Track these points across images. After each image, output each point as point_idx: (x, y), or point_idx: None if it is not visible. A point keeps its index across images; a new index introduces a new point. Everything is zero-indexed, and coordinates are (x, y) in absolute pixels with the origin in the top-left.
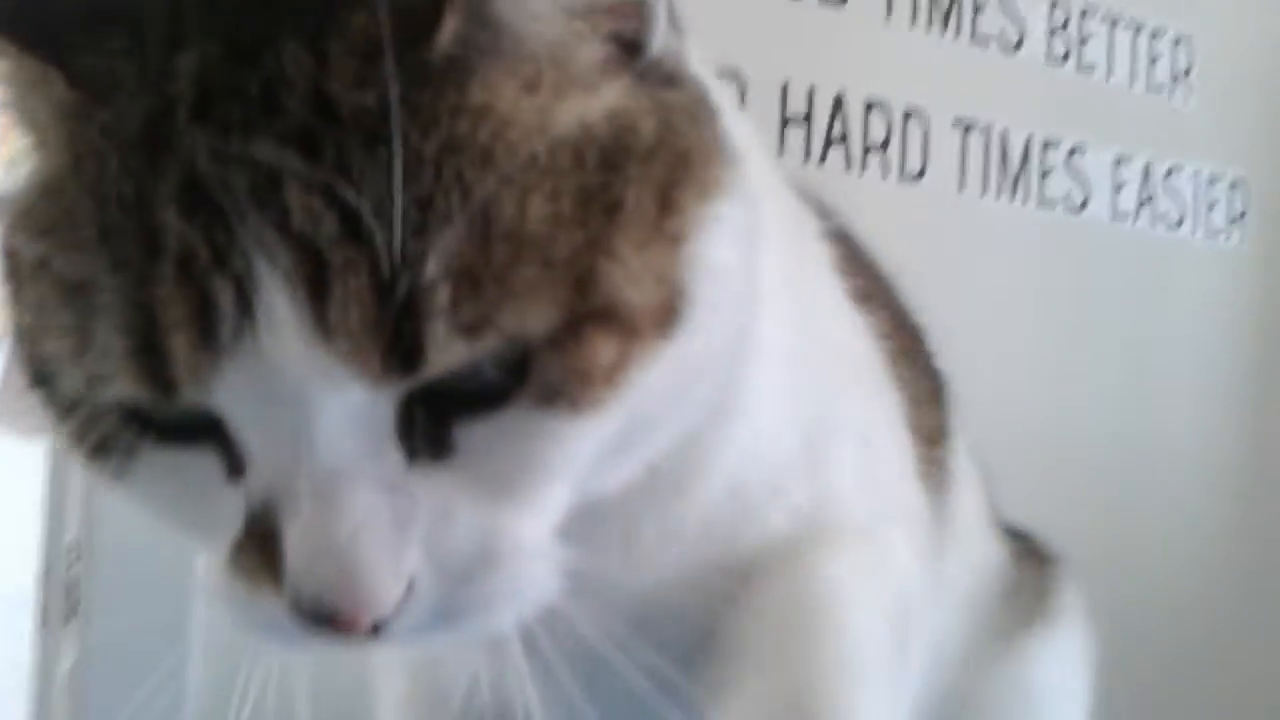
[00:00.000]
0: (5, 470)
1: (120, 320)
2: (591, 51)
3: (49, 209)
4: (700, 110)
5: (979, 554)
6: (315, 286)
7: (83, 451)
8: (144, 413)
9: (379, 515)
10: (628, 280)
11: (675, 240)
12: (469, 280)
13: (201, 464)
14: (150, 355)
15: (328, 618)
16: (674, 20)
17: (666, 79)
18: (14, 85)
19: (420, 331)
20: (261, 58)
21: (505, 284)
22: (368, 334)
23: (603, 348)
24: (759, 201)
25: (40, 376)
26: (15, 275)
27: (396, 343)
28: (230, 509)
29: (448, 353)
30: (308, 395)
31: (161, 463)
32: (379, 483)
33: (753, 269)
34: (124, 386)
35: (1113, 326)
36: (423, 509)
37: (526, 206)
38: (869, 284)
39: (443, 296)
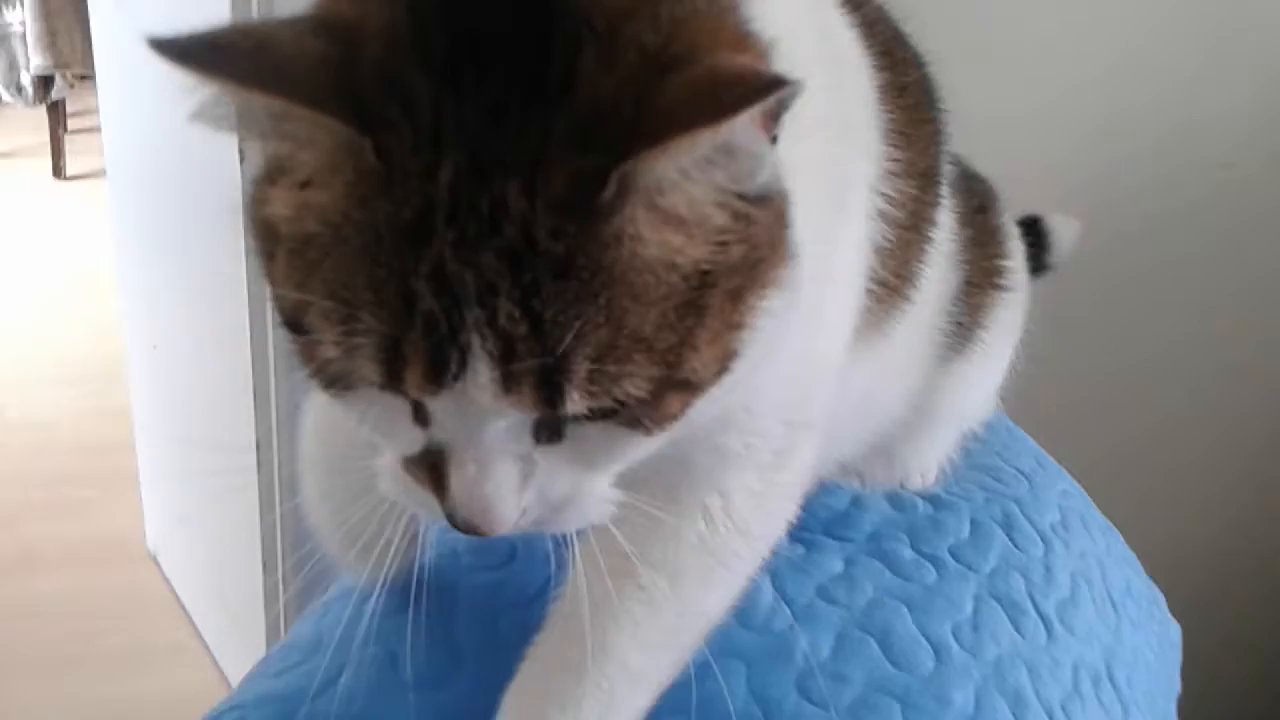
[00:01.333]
0: None
1: (377, 341)
2: (711, 196)
3: (322, 234)
4: (779, 224)
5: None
6: (507, 362)
7: (319, 381)
8: None
9: (511, 475)
10: (701, 363)
11: (738, 327)
12: (599, 366)
13: (396, 406)
14: (393, 369)
15: (471, 531)
16: (776, 134)
17: (760, 198)
18: (305, 125)
19: (563, 394)
20: (492, 183)
21: (621, 369)
22: (531, 393)
23: (674, 402)
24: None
25: (295, 327)
26: (270, 237)
27: (547, 398)
28: (410, 438)
29: (575, 406)
30: (488, 416)
31: (371, 398)
32: (515, 455)
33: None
34: (369, 378)
35: None
36: (539, 470)
37: (645, 317)
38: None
39: (581, 377)
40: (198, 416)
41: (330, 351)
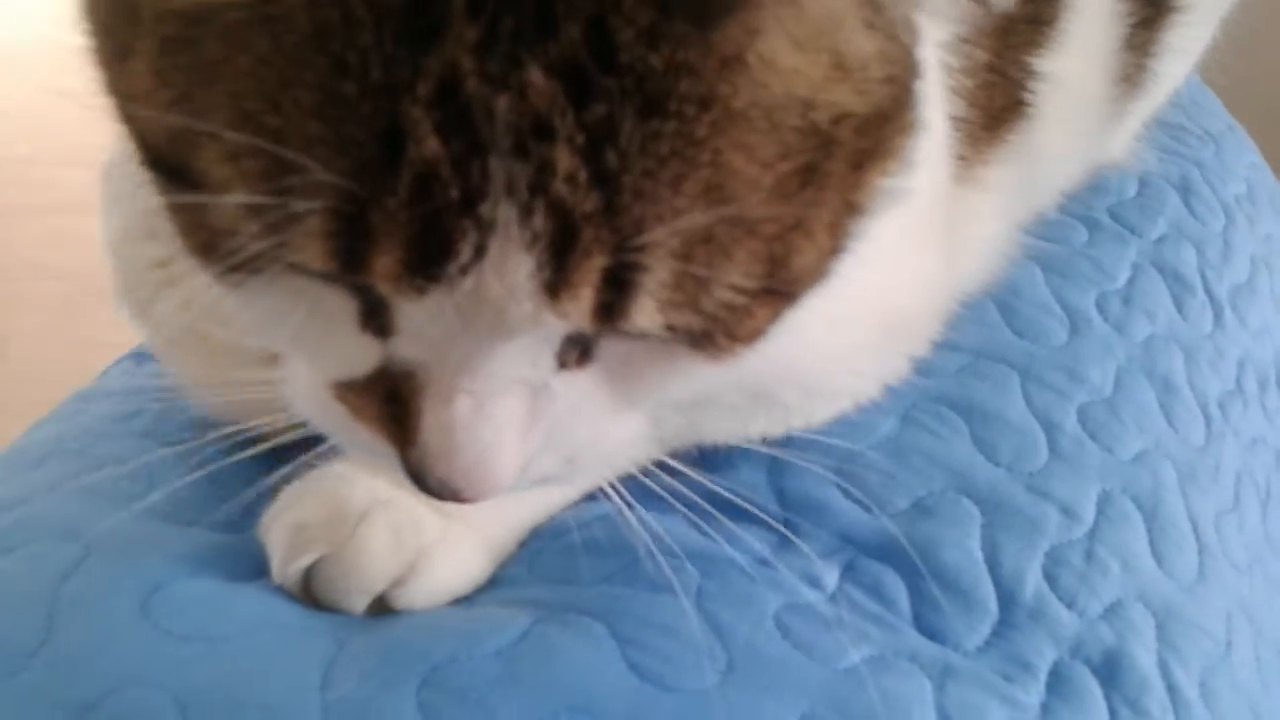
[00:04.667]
0: None
1: (328, 204)
2: (859, 12)
3: (237, 10)
4: (908, 68)
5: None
6: (559, 253)
7: (198, 255)
8: None
9: (518, 418)
10: (812, 259)
11: (855, 210)
12: (687, 264)
13: (336, 303)
14: (351, 250)
15: (450, 496)
16: None
17: (901, 24)
18: None
19: (631, 303)
20: None
21: (716, 272)
22: (590, 298)
23: (762, 315)
24: None
25: (174, 171)
26: (127, 17)
27: (609, 306)
28: (354, 353)
29: (647, 320)
30: (508, 330)
31: (291, 288)
32: (529, 387)
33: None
34: (306, 259)
35: None
36: (557, 406)
37: (759, 188)
38: None
39: (664, 278)
40: None
41: (233, 215)
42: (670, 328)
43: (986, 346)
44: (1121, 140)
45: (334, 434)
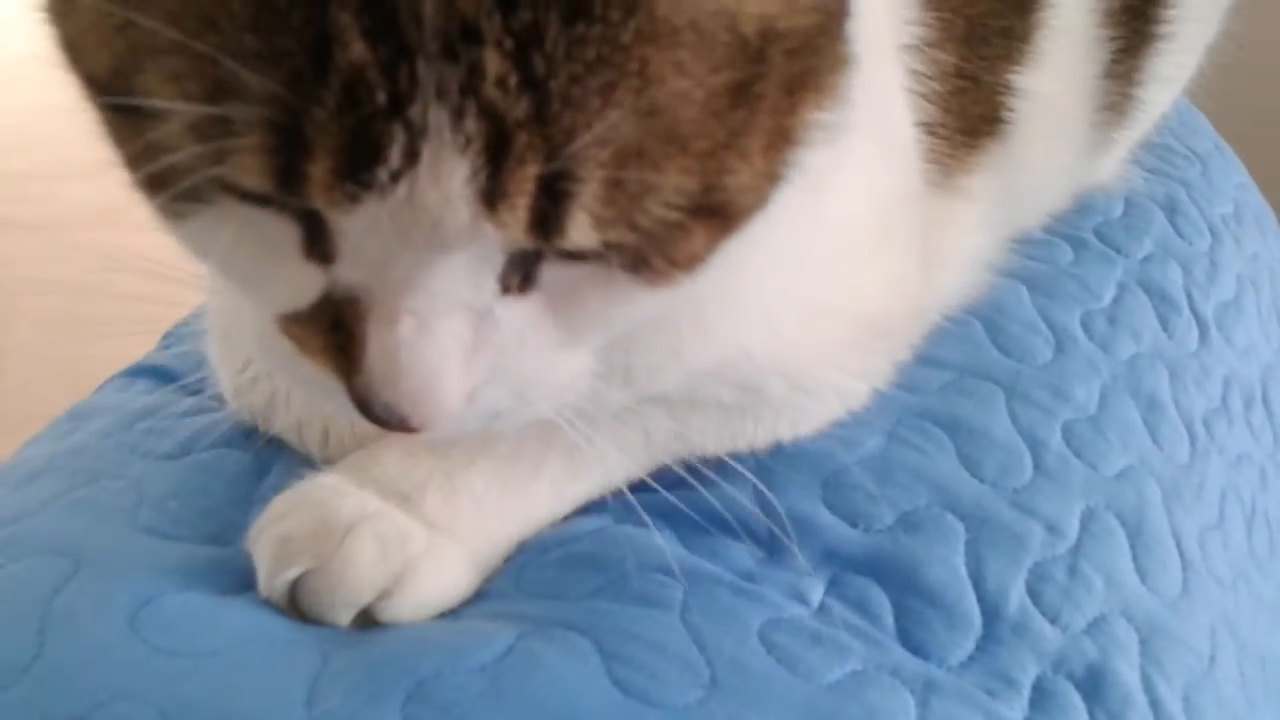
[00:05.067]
0: None
1: (260, 115)
2: None
3: None
4: (838, 8)
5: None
6: (493, 159)
7: (146, 186)
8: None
9: (463, 341)
10: (747, 180)
11: (790, 140)
12: (620, 177)
13: (279, 231)
14: (285, 163)
15: (396, 423)
16: None
17: None
18: None
19: (566, 215)
20: None
21: (648, 184)
22: (525, 209)
23: (699, 239)
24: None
25: (114, 90)
26: None
27: (543, 218)
28: (298, 282)
29: (582, 235)
30: (447, 243)
31: (235, 216)
32: (472, 310)
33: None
34: (241, 176)
35: None
36: (501, 334)
37: (689, 100)
38: None
39: (597, 189)
40: None
41: (176, 136)
42: (607, 245)
43: (972, 364)
44: (1109, 166)
45: (280, 370)
